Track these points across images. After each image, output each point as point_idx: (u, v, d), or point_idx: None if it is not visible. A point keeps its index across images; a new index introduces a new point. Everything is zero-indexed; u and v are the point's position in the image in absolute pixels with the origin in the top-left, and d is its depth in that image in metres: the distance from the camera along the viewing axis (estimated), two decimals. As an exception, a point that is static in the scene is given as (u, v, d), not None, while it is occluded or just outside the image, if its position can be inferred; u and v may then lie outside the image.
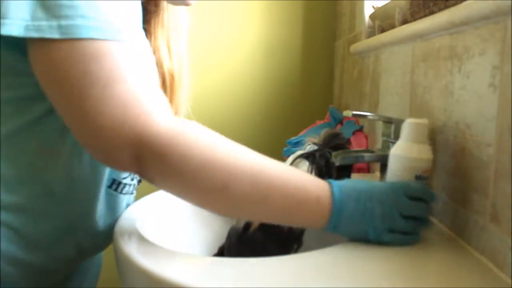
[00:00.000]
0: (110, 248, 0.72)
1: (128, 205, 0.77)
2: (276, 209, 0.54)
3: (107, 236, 0.71)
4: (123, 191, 0.73)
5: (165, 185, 0.55)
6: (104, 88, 0.51)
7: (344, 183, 0.56)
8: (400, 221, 0.55)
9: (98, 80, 0.51)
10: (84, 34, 0.51)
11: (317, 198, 0.54)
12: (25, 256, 0.63)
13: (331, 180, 0.56)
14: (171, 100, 0.76)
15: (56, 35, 0.51)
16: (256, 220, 0.57)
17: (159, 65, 0.74)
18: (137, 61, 0.54)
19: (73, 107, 0.53)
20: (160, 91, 0.55)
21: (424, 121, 0.60)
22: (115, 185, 0.71)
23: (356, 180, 0.57)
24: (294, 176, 0.55)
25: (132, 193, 0.77)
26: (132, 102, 0.51)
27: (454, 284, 0.47)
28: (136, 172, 0.54)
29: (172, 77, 0.76)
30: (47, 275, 0.68)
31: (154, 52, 0.75)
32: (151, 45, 0.75)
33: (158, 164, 0.51)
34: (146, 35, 0.75)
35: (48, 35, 0.51)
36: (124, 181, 0.73)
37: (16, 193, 0.60)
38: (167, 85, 0.76)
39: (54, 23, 0.51)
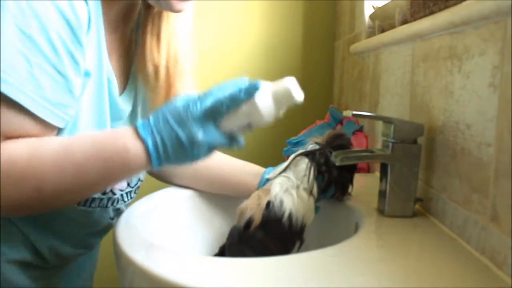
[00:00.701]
0: (110, 248, 0.71)
1: (111, 217, 0.77)
2: (95, 181, 0.55)
3: (82, 243, 0.72)
4: (91, 206, 0.72)
5: None
6: None
7: (151, 118, 0.55)
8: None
9: None
10: None
11: (125, 147, 0.54)
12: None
13: (136, 124, 0.56)
14: (167, 94, 0.74)
15: None
16: (84, 197, 0.59)
17: (150, 60, 0.72)
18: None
19: None
20: None
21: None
22: (83, 201, 0.70)
23: (155, 111, 0.56)
24: (97, 143, 0.55)
25: (107, 206, 0.75)
26: None
27: (454, 284, 0.47)
28: None
29: (176, 62, 0.73)
30: (38, 270, 0.68)
31: (157, 46, 0.72)
32: (153, 39, 0.72)
33: None
34: (144, 26, 0.73)
35: None
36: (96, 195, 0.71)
37: None
38: (159, 78, 0.73)
39: None
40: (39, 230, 0.68)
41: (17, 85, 0.51)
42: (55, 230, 0.70)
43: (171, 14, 0.73)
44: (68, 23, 0.54)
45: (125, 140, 0.55)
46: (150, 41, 0.72)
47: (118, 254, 0.59)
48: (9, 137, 0.53)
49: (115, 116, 0.69)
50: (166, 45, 0.73)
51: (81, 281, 0.82)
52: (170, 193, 0.85)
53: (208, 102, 0.56)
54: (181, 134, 0.54)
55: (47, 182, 0.53)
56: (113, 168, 0.55)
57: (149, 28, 0.72)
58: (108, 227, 0.78)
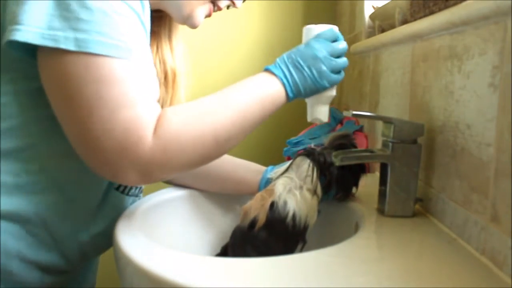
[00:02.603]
0: (110, 248, 0.72)
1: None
2: (255, 121, 0.64)
3: (109, 237, 0.71)
4: (130, 193, 0.74)
5: (174, 175, 0.69)
6: (111, 112, 0.53)
7: (276, 64, 0.67)
8: (337, 62, 0.67)
9: (107, 103, 0.53)
10: (100, 51, 0.53)
11: (273, 93, 0.65)
12: (31, 254, 0.63)
13: (268, 67, 0.67)
14: (172, 96, 0.80)
15: (71, 47, 0.52)
16: (246, 134, 0.66)
17: (163, 63, 0.78)
18: (143, 81, 0.57)
19: (79, 127, 0.55)
20: (155, 103, 0.59)
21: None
22: (122, 187, 0.73)
23: (285, 55, 0.68)
24: (253, 91, 0.65)
25: (137, 196, 0.78)
26: (134, 128, 0.54)
27: (454, 284, 0.47)
28: (141, 183, 0.59)
29: (174, 74, 0.79)
30: (50, 274, 0.68)
31: (157, 51, 0.78)
32: (153, 44, 0.77)
33: (162, 171, 0.57)
34: (150, 34, 0.76)
35: (63, 45, 0.52)
36: None
37: (27, 193, 0.61)
38: (169, 82, 0.79)
39: (71, 35, 0.52)
40: (73, 225, 0.67)
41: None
42: (91, 220, 0.70)
43: (172, 29, 0.80)
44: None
45: (266, 81, 0.66)
46: (165, 48, 0.79)
47: (118, 254, 0.59)
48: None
49: None
50: (161, 57, 0.78)
51: (85, 281, 0.82)
52: (170, 193, 0.85)
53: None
54: (304, 66, 0.66)
55: (221, 129, 0.60)
56: (265, 108, 0.65)
57: (151, 39, 0.76)
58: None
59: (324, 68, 0.66)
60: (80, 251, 0.70)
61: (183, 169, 0.61)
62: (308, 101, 0.72)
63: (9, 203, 0.61)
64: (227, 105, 0.62)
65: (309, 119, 0.74)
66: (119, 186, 0.73)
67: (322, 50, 0.66)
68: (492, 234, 0.51)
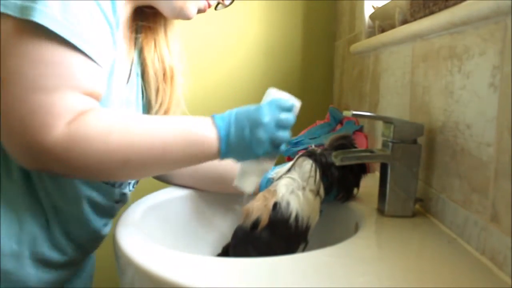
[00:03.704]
0: (109, 248, 0.71)
1: (122, 194, 0.78)
2: (174, 161, 0.60)
3: (101, 226, 0.72)
4: (115, 184, 0.74)
5: (72, 176, 0.62)
6: (24, 91, 0.52)
7: (224, 115, 0.63)
8: (278, 134, 0.62)
9: (22, 81, 0.52)
10: (43, 21, 0.51)
11: (204, 138, 0.61)
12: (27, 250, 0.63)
13: (213, 116, 0.63)
14: (171, 94, 0.80)
15: (16, 14, 0.52)
16: (159, 173, 0.64)
17: (161, 60, 0.78)
18: (78, 71, 0.55)
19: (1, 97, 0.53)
20: (82, 98, 0.56)
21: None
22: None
23: (237, 108, 0.64)
24: (183, 127, 0.61)
25: (129, 190, 0.77)
26: (40, 114, 0.52)
27: (454, 284, 0.47)
28: (36, 169, 0.57)
29: (172, 72, 0.79)
30: (50, 269, 0.68)
31: (155, 48, 0.78)
32: (151, 40, 0.77)
33: (59, 166, 0.55)
34: (146, 31, 0.78)
35: (10, 11, 0.52)
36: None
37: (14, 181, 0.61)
38: (167, 79, 0.79)
39: (19, 1, 0.52)
40: (62, 209, 0.67)
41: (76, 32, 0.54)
42: (78, 208, 0.69)
43: (168, 26, 0.79)
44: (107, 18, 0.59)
45: (204, 127, 0.61)
46: (148, 51, 0.77)
47: (118, 254, 0.59)
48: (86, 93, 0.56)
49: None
50: (160, 57, 0.78)
51: (81, 282, 0.82)
52: (170, 193, 0.85)
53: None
54: (245, 127, 0.61)
55: (135, 155, 0.56)
56: (192, 152, 0.60)
57: (148, 37, 0.77)
58: (113, 209, 0.77)
59: (262, 135, 0.61)
60: (76, 243, 0.70)
61: (82, 174, 0.58)
62: (241, 165, 0.68)
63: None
64: (151, 133, 0.58)
65: (234, 182, 0.69)
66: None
67: (267, 116, 0.62)
68: (492, 234, 0.51)
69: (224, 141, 0.61)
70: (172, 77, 0.79)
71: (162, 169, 0.62)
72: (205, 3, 0.75)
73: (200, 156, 0.62)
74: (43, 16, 0.52)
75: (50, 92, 0.53)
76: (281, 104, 0.64)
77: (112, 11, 0.59)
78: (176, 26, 0.82)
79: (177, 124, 0.61)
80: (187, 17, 0.74)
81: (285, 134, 0.63)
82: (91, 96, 0.57)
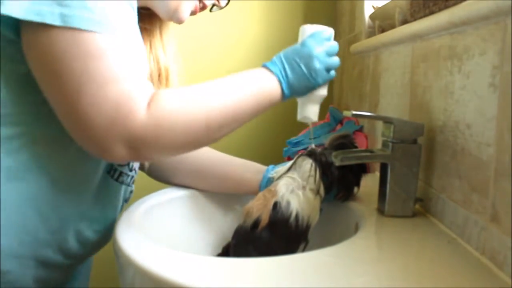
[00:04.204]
0: (109, 248, 0.72)
1: (125, 199, 0.77)
2: (247, 114, 0.64)
3: (106, 230, 0.71)
4: (119, 180, 0.74)
5: (163, 156, 0.67)
6: (100, 87, 0.53)
7: (274, 60, 0.68)
8: (331, 60, 0.69)
9: (95, 78, 0.53)
10: (86, 26, 0.52)
11: (268, 87, 0.66)
12: (25, 250, 0.63)
13: (265, 64, 0.68)
14: None
15: (57, 22, 0.52)
16: (237, 128, 0.66)
17: (156, 61, 0.79)
18: (130, 58, 0.57)
19: (67, 103, 0.54)
20: (147, 81, 0.59)
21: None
22: (112, 172, 0.73)
23: (283, 50, 0.69)
24: (249, 83, 0.65)
25: (129, 185, 0.78)
26: (123, 102, 0.54)
27: (454, 284, 0.47)
28: (131, 159, 0.59)
29: (167, 72, 0.80)
30: (51, 270, 0.68)
31: (151, 49, 0.78)
32: (146, 41, 0.78)
33: (152, 148, 0.57)
34: (142, 32, 0.77)
35: (48, 20, 0.52)
36: (120, 169, 0.74)
37: (20, 182, 0.61)
38: (162, 80, 0.79)
39: (56, 10, 0.52)
40: (68, 210, 0.67)
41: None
42: (85, 206, 0.69)
43: (163, 28, 0.80)
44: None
45: (263, 77, 0.66)
46: (157, 46, 0.79)
47: (118, 254, 0.59)
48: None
49: None
50: (155, 58, 0.79)
51: (78, 283, 0.82)
52: (170, 193, 0.85)
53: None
54: (300, 63, 0.67)
55: (214, 116, 0.60)
56: (260, 102, 0.65)
57: (143, 38, 0.77)
58: (121, 210, 0.78)
59: (318, 66, 0.67)
60: (79, 244, 0.70)
61: (171, 150, 0.61)
62: (300, 100, 0.73)
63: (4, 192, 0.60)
64: (222, 93, 0.62)
65: (299, 117, 0.75)
66: (110, 170, 0.72)
67: (317, 48, 0.68)
68: (492, 234, 0.51)
69: (285, 84, 0.66)
70: (167, 78, 0.80)
71: (238, 123, 0.64)
72: (197, 3, 0.75)
73: (269, 104, 0.66)
74: (84, 21, 0.52)
75: (123, 80, 0.55)
76: (323, 35, 0.69)
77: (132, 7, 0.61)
78: (171, 28, 0.82)
79: (243, 82, 0.65)
80: (180, 19, 0.74)
81: (336, 59, 0.70)
82: (146, 78, 0.60)
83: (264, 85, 0.66)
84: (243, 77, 0.66)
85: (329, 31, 0.71)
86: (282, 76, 0.66)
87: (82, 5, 0.52)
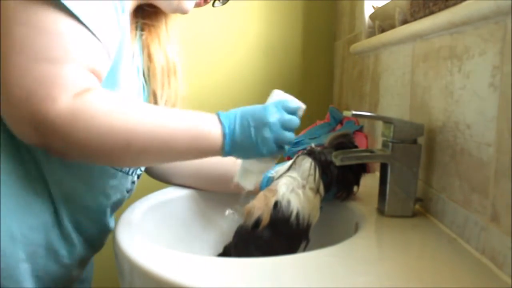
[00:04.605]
0: (109, 248, 0.72)
1: (127, 189, 0.77)
2: (177, 152, 0.60)
3: (100, 215, 0.72)
4: (129, 172, 0.74)
5: (74, 156, 0.59)
6: (30, 61, 0.51)
7: (229, 113, 0.64)
8: (283, 134, 0.64)
9: (28, 50, 0.52)
10: None
11: (209, 133, 0.62)
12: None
13: (218, 113, 0.64)
14: (176, 89, 0.81)
15: None
16: (160, 163, 0.63)
17: (165, 57, 0.79)
18: (86, 48, 0.55)
19: (1, 66, 0.53)
20: (88, 74, 0.56)
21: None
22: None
23: (244, 107, 0.65)
24: (188, 120, 0.61)
25: (130, 174, 0.77)
26: (47, 83, 0.52)
27: (454, 284, 0.47)
28: (38, 144, 0.55)
29: (174, 66, 0.80)
30: (58, 264, 0.68)
31: (160, 45, 0.79)
32: (155, 38, 0.78)
33: (60, 141, 0.53)
34: (150, 30, 0.79)
35: None
36: None
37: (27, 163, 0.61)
38: (171, 74, 0.80)
39: None
40: (70, 199, 0.67)
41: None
42: (92, 196, 0.70)
43: (168, 24, 0.80)
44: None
45: (209, 123, 0.63)
46: (154, 48, 0.78)
47: (118, 254, 0.59)
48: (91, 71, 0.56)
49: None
50: (164, 51, 0.79)
51: (81, 286, 0.82)
52: (170, 193, 0.85)
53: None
54: (251, 126, 0.63)
55: (137, 139, 0.56)
56: (195, 145, 0.61)
57: (152, 34, 0.79)
58: (122, 201, 0.78)
59: (268, 135, 0.63)
60: (84, 236, 0.70)
61: (83, 153, 0.57)
62: (242, 163, 0.70)
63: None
64: (156, 120, 0.58)
65: (235, 179, 0.71)
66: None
67: (273, 116, 0.64)
68: (492, 234, 0.51)
69: (228, 139, 0.62)
70: (175, 73, 0.80)
71: (164, 158, 0.62)
72: None
73: (203, 151, 0.62)
74: None
75: (57, 63, 0.52)
76: (286, 105, 0.66)
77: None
78: (177, 24, 0.83)
79: (183, 116, 0.61)
80: (184, 11, 0.75)
81: (290, 135, 0.65)
82: (93, 74, 0.57)
83: (207, 131, 0.62)
84: (186, 115, 0.62)
85: (295, 104, 0.67)
86: (230, 131, 0.63)
87: None
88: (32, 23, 0.52)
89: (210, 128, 0.62)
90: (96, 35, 0.56)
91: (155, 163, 0.63)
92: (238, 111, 0.64)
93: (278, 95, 0.68)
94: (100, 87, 0.58)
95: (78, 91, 0.53)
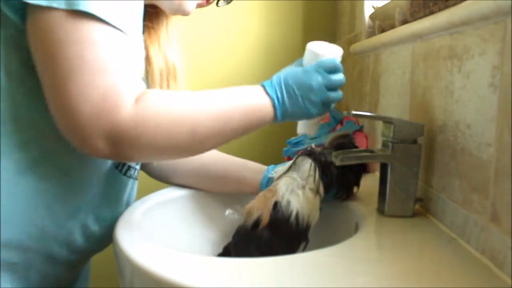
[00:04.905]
0: (108, 248, 0.72)
1: (130, 192, 0.77)
2: (236, 129, 0.63)
3: (109, 221, 0.72)
4: (127, 174, 0.74)
5: (142, 158, 0.65)
6: (91, 75, 0.53)
7: (273, 82, 0.67)
8: (330, 95, 0.67)
9: (88, 65, 0.53)
10: (89, 9, 0.52)
11: (260, 106, 0.65)
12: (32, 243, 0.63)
13: (263, 84, 0.67)
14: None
15: (63, 6, 0.52)
16: (221, 144, 0.64)
17: (165, 59, 0.79)
18: (126, 53, 0.56)
19: (56, 86, 0.54)
20: (138, 79, 0.59)
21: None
22: (121, 166, 0.73)
23: (284, 72, 0.68)
24: (240, 98, 0.64)
25: (136, 179, 0.78)
26: (111, 93, 0.53)
27: (454, 284, 0.47)
28: (109, 156, 0.56)
29: (174, 69, 0.80)
30: (56, 266, 0.68)
31: (159, 47, 0.79)
32: (155, 40, 0.78)
33: (133, 146, 0.55)
34: (150, 31, 0.78)
35: (55, 4, 0.52)
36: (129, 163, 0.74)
37: (30, 175, 0.61)
38: (171, 78, 0.80)
39: None
40: (75, 204, 0.67)
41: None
42: (92, 200, 0.70)
43: (169, 26, 0.80)
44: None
45: (258, 97, 0.65)
46: (153, 50, 0.78)
47: (118, 254, 0.59)
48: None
49: None
50: (163, 54, 0.79)
51: (79, 283, 0.82)
52: (170, 193, 0.85)
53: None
54: (297, 93, 0.65)
55: (200, 125, 0.59)
56: (250, 121, 0.64)
57: (152, 36, 0.79)
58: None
59: (316, 99, 0.66)
60: (84, 238, 0.70)
61: (152, 152, 0.59)
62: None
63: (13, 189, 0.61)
64: (212, 104, 0.61)
65: (298, 131, 0.77)
66: (119, 164, 0.73)
67: (319, 81, 0.66)
68: (492, 234, 0.51)
69: (279, 109, 0.65)
70: (175, 76, 0.80)
71: (225, 138, 0.63)
72: None
73: (258, 124, 0.65)
74: (89, 5, 0.52)
75: (114, 72, 0.54)
76: (328, 65, 0.67)
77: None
78: (177, 26, 0.83)
79: (234, 95, 0.64)
80: (185, 12, 0.74)
81: (335, 94, 0.68)
82: (139, 78, 0.60)
83: (258, 106, 0.65)
84: (237, 92, 0.65)
85: (336, 62, 0.69)
86: (278, 101, 0.65)
87: None
88: (84, 40, 0.53)
89: (261, 102, 0.65)
90: (134, 41, 0.58)
91: (218, 145, 0.66)
92: (281, 78, 0.66)
93: (316, 53, 0.69)
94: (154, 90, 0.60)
95: (137, 95, 0.55)
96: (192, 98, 0.60)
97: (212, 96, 0.62)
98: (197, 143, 0.60)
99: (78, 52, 0.52)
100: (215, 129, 0.60)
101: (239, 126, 0.63)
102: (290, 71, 0.67)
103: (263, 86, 0.66)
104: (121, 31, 0.55)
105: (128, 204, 0.77)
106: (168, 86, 0.79)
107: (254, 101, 0.65)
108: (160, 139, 0.56)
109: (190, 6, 0.74)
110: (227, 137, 0.63)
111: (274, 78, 0.67)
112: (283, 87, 0.66)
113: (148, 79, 0.78)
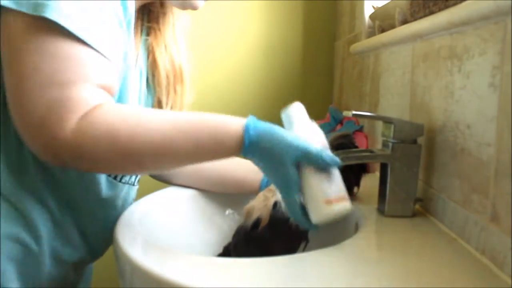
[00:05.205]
0: (109, 248, 0.72)
1: (126, 197, 0.77)
2: (184, 148, 0.57)
3: (107, 225, 0.72)
4: (122, 180, 0.74)
5: (90, 171, 0.64)
6: (41, 87, 0.53)
7: (259, 125, 0.60)
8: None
9: (39, 77, 0.53)
10: (54, 17, 0.52)
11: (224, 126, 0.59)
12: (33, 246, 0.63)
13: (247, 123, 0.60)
14: (182, 94, 0.80)
15: (30, 11, 0.52)
16: (170, 164, 0.61)
17: (171, 61, 0.78)
18: (90, 65, 0.56)
19: (12, 93, 0.54)
20: (98, 91, 0.56)
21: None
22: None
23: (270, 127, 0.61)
24: (206, 125, 0.58)
25: (133, 184, 0.78)
26: (58, 108, 0.53)
27: (454, 284, 0.47)
28: (56, 164, 0.57)
29: (181, 70, 0.79)
30: (61, 268, 0.68)
31: (166, 49, 0.78)
32: (161, 42, 0.78)
33: (75, 161, 0.55)
34: (156, 34, 0.78)
35: (24, 9, 0.52)
36: None
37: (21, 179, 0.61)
38: (178, 80, 0.79)
39: (32, 0, 0.52)
40: (72, 209, 0.68)
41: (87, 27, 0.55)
42: (87, 206, 0.70)
43: (175, 27, 0.79)
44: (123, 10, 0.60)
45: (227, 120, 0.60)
46: (159, 52, 0.78)
47: (118, 254, 0.59)
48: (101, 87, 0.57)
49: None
50: (169, 55, 0.78)
51: (80, 284, 0.82)
52: (170, 193, 0.85)
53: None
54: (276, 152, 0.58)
55: (139, 149, 0.55)
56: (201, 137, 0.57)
57: (158, 38, 0.78)
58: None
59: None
60: (83, 241, 0.70)
61: (96, 167, 0.58)
62: None
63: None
64: (165, 135, 0.56)
65: None
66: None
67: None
68: (492, 234, 0.51)
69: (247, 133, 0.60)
70: (181, 77, 0.80)
71: (169, 160, 0.60)
72: None
73: (215, 145, 0.59)
74: (55, 12, 0.52)
75: (66, 86, 0.53)
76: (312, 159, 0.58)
77: (122, 9, 0.60)
78: (183, 27, 0.82)
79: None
80: (194, 6, 0.73)
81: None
82: (104, 89, 0.58)
83: (220, 125, 0.59)
84: (205, 117, 0.59)
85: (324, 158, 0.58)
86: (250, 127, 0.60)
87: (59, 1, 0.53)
88: (42, 51, 0.53)
89: (226, 122, 0.60)
90: (102, 52, 0.56)
91: (163, 167, 0.63)
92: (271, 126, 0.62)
93: (296, 113, 0.63)
94: (111, 101, 0.58)
95: (88, 109, 0.54)
96: (147, 121, 0.57)
97: (169, 115, 0.58)
98: (145, 168, 0.60)
99: (34, 64, 0.53)
100: (152, 148, 0.56)
101: (186, 144, 0.57)
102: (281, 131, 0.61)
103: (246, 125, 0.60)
104: (85, 42, 0.54)
105: (123, 208, 0.77)
106: (174, 89, 0.79)
107: (218, 120, 0.59)
108: (100, 159, 0.55)
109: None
110: (171, 160, 0.58)
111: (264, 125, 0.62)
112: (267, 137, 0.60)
113: (154, 82, 0.78)
